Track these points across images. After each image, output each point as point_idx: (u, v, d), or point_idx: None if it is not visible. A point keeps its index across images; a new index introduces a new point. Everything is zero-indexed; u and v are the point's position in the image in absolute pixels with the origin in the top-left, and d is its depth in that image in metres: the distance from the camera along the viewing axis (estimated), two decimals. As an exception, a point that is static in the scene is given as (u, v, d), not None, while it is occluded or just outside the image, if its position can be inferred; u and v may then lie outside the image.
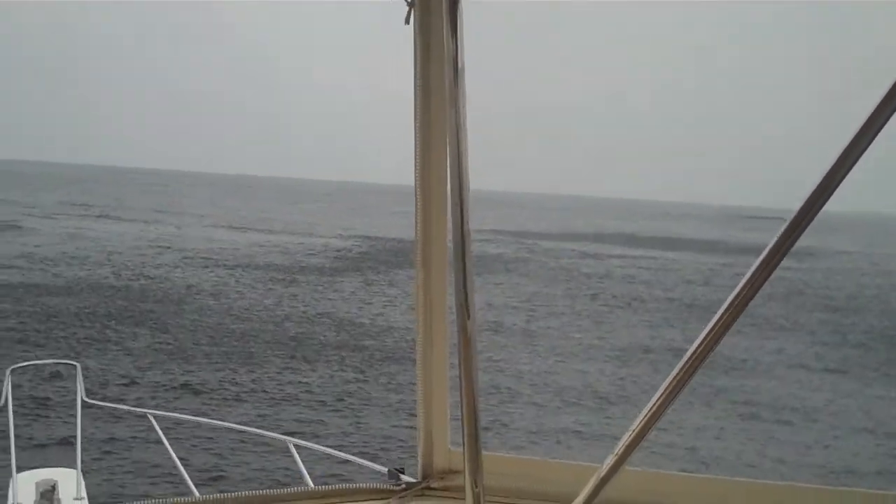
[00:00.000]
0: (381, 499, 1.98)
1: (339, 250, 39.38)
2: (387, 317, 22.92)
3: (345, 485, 2.07)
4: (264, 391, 15.08)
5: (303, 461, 2.94)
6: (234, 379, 15.69)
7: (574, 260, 40.31)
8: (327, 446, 3.78)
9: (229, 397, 14.57)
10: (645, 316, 25.64)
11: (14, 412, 4.17)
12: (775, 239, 1.37)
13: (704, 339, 1.43)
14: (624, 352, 20.08)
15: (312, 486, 2.16)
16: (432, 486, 2.01)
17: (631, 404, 15.19)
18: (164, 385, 14.96)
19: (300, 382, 15.79)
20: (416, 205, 1.91)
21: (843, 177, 1.32)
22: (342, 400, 14.80)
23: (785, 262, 1.38)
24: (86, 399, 4.42)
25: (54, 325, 19.04)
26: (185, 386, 15.00)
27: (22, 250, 31.36)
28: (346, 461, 3.21)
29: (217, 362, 16.80)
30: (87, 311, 20.88)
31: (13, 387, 4.27)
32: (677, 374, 1.47)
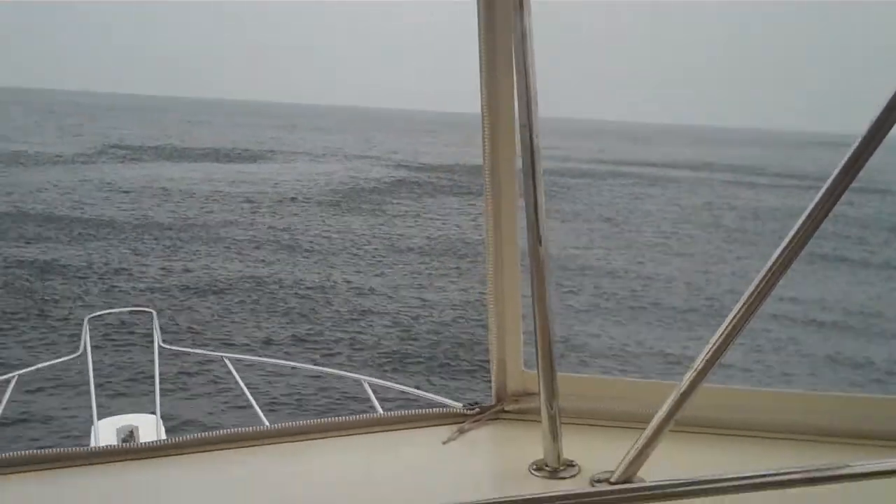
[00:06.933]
0: (454, 423, 1.92)
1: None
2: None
3: (416, 410, 2.00)
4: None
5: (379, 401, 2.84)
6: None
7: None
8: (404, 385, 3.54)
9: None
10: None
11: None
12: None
13: (780, 254, 1.38)
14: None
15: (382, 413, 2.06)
16: (507, 409, 1.95)
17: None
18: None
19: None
20: (483, 127, 1.80)
21: None
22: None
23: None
24: (162, 345, 4.35)
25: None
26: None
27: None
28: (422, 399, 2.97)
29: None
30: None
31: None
32: (756, 288, 1.42)
